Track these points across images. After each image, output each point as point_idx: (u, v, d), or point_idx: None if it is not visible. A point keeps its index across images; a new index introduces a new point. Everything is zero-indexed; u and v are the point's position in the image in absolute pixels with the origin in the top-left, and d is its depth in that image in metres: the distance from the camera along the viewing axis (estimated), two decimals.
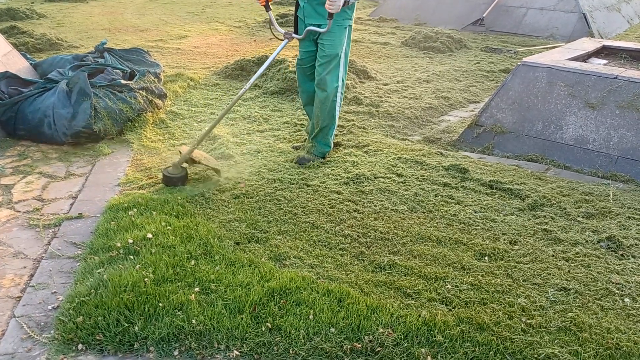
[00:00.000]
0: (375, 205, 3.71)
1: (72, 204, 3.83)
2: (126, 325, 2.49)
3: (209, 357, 2.41)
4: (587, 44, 6.17)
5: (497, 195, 3.92)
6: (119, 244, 3.09)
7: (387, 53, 8.87)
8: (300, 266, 2.99)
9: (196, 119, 5.49)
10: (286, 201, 3.73)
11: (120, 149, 4.79)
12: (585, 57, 5.73)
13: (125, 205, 3.61)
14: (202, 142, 4.70)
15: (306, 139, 4.80)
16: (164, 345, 2.44)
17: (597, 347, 2.45)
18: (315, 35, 4.25)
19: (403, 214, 3.62)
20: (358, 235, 3.33)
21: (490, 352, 2.41)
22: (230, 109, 4.16)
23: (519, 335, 2.51)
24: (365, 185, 3.99)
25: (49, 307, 2.72)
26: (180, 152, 4.10)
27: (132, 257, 2.99)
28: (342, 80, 4.37)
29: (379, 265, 3.04)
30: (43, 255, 3.20)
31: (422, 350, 2.41)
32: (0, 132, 4.98)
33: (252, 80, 4.23)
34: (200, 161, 4.02)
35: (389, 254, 3.15)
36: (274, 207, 3.65)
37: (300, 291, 2.72)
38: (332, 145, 4.61)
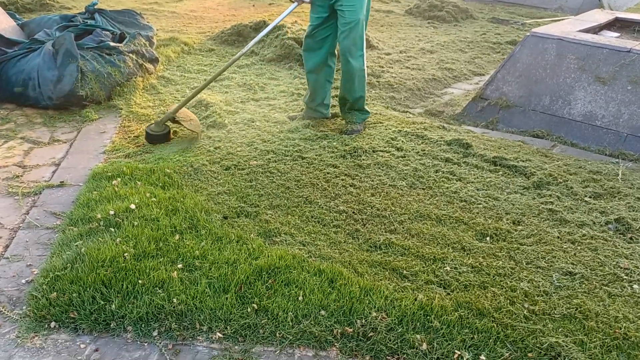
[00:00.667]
0: (372, 180, 3.52)
1: (54, 172, 3.64)
2: (102, 303, 2.34)
3: (190, 339, 2.26)
4: (599, 16, 5.90)
5: (500, 173, 3.73)
6: (99, 216, 2.91)
7: (390, 22, 8.57)
8: (291, 243, 2.82)
9: (189, 85, 5.26)
10: (279, 174, 3.54)
11: (108, 114, 4.58)
12: (597, 30, 5.47)
13: (109, 174, 3.42)
14: (190, 105, 4.52)
15: (303, 108, 4.59)
16: (143, 325, 2.29)
17: (604, 337, 2.30)
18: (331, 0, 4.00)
19: (401, 190, 3.44)
20: (353, 212, 3.16)
21: (490, 340, 2.26)
22: (223, 71, 4.02)
23: (521, 322, 2.36)
24: (363, 159, 3.80)
25: (23, 281, 2.56)
26: (167, 110, 4.02)
27: (113, 229, 2.82)
28: (365, 48, 4.18)
29: (375, 244, 2.87)
30: (20, 225, 3.03)
31: (418, 336, 2.26)
32: None
33: (249, 45, 4.02)
34: (181, 122, 3.96)
35: (386, 232, 2.99)
36: (266, 179, 3.46)
37: (290, 270, 2.56)
38: (369, 110, 4.51)
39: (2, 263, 2.69)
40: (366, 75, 4.29)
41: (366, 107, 4.43)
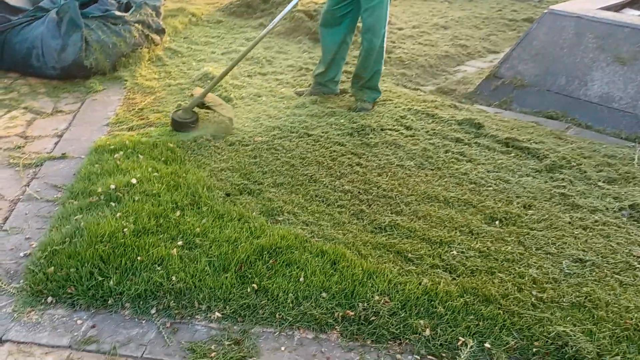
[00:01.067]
0: (379, 160, 3.43)
1: (56, 143, 3.58)
2: (100, 279, 2.29)
3: (188, 318, 2.22)
4: None
5: (512, 154, 3.63)
6: (100, 189, 2.85)
7: None
8: (294, 223, 2.75)
9: (195, 57, 5.15)
10: (284, 151, 3.46)
11: (112, 86, 4.50)
12: (618, 7, 5.27)
13: (112, 147, 3.35)
14: (196, 78, 4.42)
15: (311, 84, 4.48)
16: (141, 303, 2.25)
17: (614, 327, 2.22)
18: None
19: (409, 170, 3.35)
20: (359, 192, 3.08)
21: (496, 328, 2.19)
22: (249, 51, 3.80)
23: (528, 310, 2.29)
24: (371, 138, 3.70)
25: (21, 254, 2.52)
26: (192, 95, 3.82)
27: (113, 204, 2.77)
28: (386, 25, 4.06)
29: (380, 225, 2.80)
30: (20, 197, 2.98)
31: (421, 321, 2.20)
32: None
33: (277, 19, 3.85)
34: (212, 107, 3.71)
35: (391, 213, 2.91)
36: (270, 156, 3.38)
37: (291, 250, 2.49)
38: (381, 90, 4.37)
39: (0, 235, 2.65)
40: (384, 52, 4.17)
41: (379, 86, 4.31)
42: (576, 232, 2.84)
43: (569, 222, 2.93)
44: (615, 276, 2.54)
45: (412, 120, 4.01)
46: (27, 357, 2.01)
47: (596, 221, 2.95)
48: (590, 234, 2.84)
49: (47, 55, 4.42)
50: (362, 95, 4.24)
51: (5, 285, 2.33)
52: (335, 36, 4.16)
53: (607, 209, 3.07)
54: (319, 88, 4.40)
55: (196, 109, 3.74)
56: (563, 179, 3.34)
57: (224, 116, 3.70)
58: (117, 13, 4.83)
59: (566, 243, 2.75)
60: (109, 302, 2.25)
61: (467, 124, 3.99)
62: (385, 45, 4.11)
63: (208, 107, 3.74)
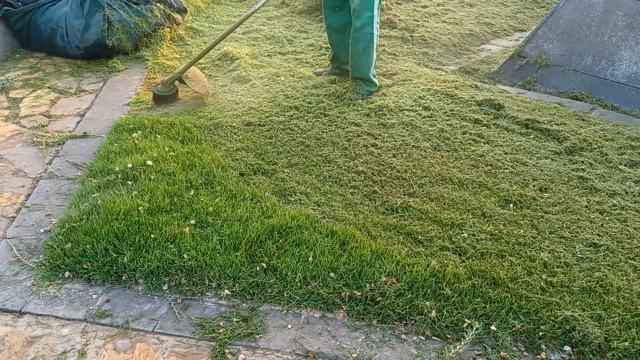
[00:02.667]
0: (395, 141, 3.42)
1: (78, 122, 3.67)
2: (115, 255, 2.36)
3: (199, 294, 2.28)
4: None
5: (532, 136, 3.57)
6: (117, 168, 2.92)
7: None
8: (306, 203, 2.78)
9: (217, 36, 5.17)
10: (300, 131, 3.47)
11: (134, 65, 4.56)
12: None
13: (131, 126, 3.42)
14: (216, 57, 4.44)
15: (329, 64, 4.45)
16: (153, 279, 2.31)
17: (624, 313, 2.20)
18: None
19: (425, 151, 3.33)
20: (372, 173, 3.08)
21: (502, 311, 2.19)
22: (235, 28, 3.87)
23: (537, 294, 2.28)
24: (388, 118, 3.68)
25: (41, 230, 2.61)
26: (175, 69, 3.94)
27: (130, 182, 2.83)
28: (378, 9, 3.82)
29: (391, 206, 2.80)
30: (43, 174, 3.08)
31: (427, 303, 2.21)
32: (14, 42, 4.81)
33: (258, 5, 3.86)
34: (187, 82, 3.85)
35: (404, 195, 2.91)
36: (286, 137, 3.40)
37: (301, 231, 2.52)
38: (377, 82, 4.14)
39: (23, 212, 2.75)
40: (375, 41, 3.88)
41: (374, 79, 4.08)
42: (592, 216, 2.80)
43: (586, 206, 2.88)
44: (630, 261, 2.49)
45: (430, 100, 3.97)
46: (44, 329, 2.10)
47: (614, 205, 2.89)
48: (607, 218, 2.79)
49: (70, 35, 4.50)
50: (356, 87, 4.04)
51: (25, 259, 2.43)
52: (340, 19, 4.03)
53: (626, 192, 3.01)
54: (337, 70, 4.35)
55: (176, 83, 3.94)
56: (583, 162, 3.27)
57: (196, 92, 3.87)
58: None
59: (581, 227, 2.71)
60: (123, 277, 2.32)
61: (487, 104, 3.92)
62: (377, 33, 3.87)
63: (184, 82, 3.90)
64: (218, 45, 4.90)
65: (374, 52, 3.92)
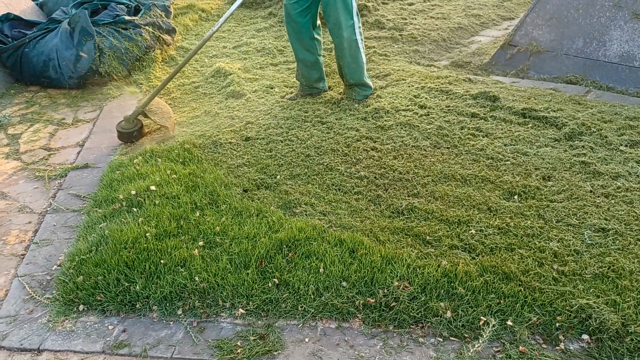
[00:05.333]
0: (394, 142, 3.42)
1: (78, 152, 3.69)
2: (127, 284, 2.37)
3: (214, 316, 2.29)
4: None
5: (530, 125, 3.57)
6: (121, 196, 2.94)
7: None
8: (311, 214, 2.79)
9: (207, 54, 5.20)
10: (299, 141, 3.48)
11: (129, 90, 4.58)
12: None
13: (131, 153, 3.43)
14: (209, 74, 4.45)
15: (298, 86, 4.23)
16: (167, 305, 2.32)
17: (639, 296, 2.20)
18: None
19: (425, 150, 3.33)
20: (375, 177, 3.09)
21: (517, 305, 2.19)
22: (188, 61, 3.71)
23: (550, 284, 2.28)
24: (385, 120, 3.69)
25: (52, 265, 2.62)
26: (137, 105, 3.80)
27: (135, 209, 2.85)
28: (357, 15, 3.76)
29: (397, 209, 2.81)
30: (48, 209, 3.09)
31: (441, 304, 2.21)
32: (8, 78, 4.84)
33: (218, 24, 3.82)
34: (149, 115, 3.68)
35: (408, 196, 2.91)
36: (285, 148, 3.41)
37: (310, 242, 2.53)
38: (372, 84, 4.11)
39: (32, 248, 2.77)
40: (361, 45, 3.84)
41: (368, 82, 4.05)
42: (598, 201, 2.80)
43: (590, 191, 2.88)
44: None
45: (426, 98, 3.97)
46: None
47: (618, 188, 2.89)
48: (613, 201, 2.79)
49: (63, 66, 4.52)
50: (352, 93, 4.01)
51: (39, 296, 2.44)
52: (304, 40, 3.89)
53: (629, 174, 3.01)
54: (308, 90, 4.16)
55: (140, 117, 3.76)
56: (583, 147, 3.27)
57: (160, 125, 3.72)
58: (127, 18, 4.90)
59: (587, 213, 2.71)
60: (137, 306, 2.33)
61: (483, 97, 3.93)
62: (360, 37, 3.81)
63: (147, 116, 3.73)
64: (210, 62, 4.94)
65: (363, 56, 3.91)
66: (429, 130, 3.53)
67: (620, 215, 2.68)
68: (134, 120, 3.74)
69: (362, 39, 3.87)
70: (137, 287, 2.36)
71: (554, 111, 3.68)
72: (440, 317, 2.18)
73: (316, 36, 3.95)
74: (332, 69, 4.59)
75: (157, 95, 3.79)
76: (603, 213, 2.70)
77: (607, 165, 3.09)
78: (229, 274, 2.39)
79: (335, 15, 3.68)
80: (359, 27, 3.82)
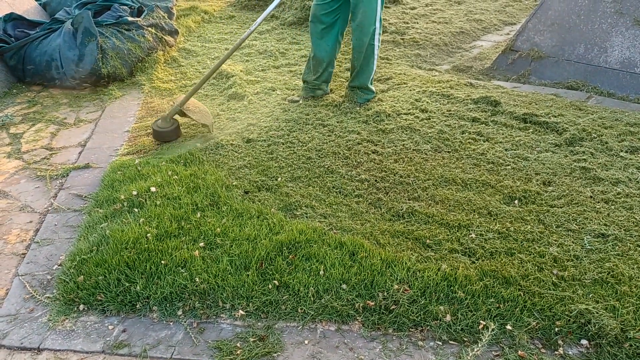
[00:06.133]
0: (395, 146, 3.43)
1: (80, 152, 3.69)
2: (127, 284, 2.38)
3: (213, 317, 2.29)
4: None
5: (531, 130, 3.58)
6: (123, 196, 2.94)
7: None
8: (312, 216, 2.79)
9: (209, 55, 5.21)
10: (300, 144, 3.49)
11: (131, 91, 4.60)
12: None
13: (133, 153, 3.44)
14: (202, 88, 4.44)
15: (303, 87, 4.24)
16: (167, 305, 2.33)
17: (637, 302, 2.20)
18: None
19: (426, 154, 3.34)
20: (376, 180, 3.09)
21: (517, 309, 2.20)
22: (232, 54, 3.68)
23: (549, 289, 2.29)
24: (386, 124, 3.70)
25: (53, 265, 2.63)
26: (173, 103, 3.80)
27: (136, 210, 2.85)
28: (380, 21, 3.81)
29: (397, 212, 2.81)
30: (49, 208, 3.10)
31: (441, 307, 2.22)
32: (11, 78, 4.84)
33: (259, 20, 3.84)
34: (189, 114, 3.65)
35: (409, 200, 2.92)
36: (287, 150, 3.42)
37: (310, 244, 2.54)
38: (374, 90, 4.15)
39: (32, 247, 2.77)
40: (376, 51, 3.89)
41: (372, 87, 4.10)
42: (598, 207, 2.80)
43: (590, 197, 2.89)
44: (639, 249, 2.50)
45: (427, 102, 3.98)
46: None
47: (619, 193, 2.90)
48: (613, 207, 2.80)
49: (65, 67, 4.53)
50: (354, 96, 4.05)
51: (39, 295, 2.44)
52: (329, 40, 3.93)
53: (629, 179, 3.01)
54: (311, 92, 4.18)
55: (176, 117, 3.73)
56: (584, 152, 3.28)
57: (201, 124, 3.68)
58: (130, 19, 4.91)
59: (587, 218, 2.72)
60: (137, 306, 2.34)
61: (484, 102, 3.94)
62: (377, 44, 3.86)
63: (186, 115, 3.68)
64: (211, 64, 4.95)
65: (375, 62, 3.95)
66: (430, 134, 3.54)
67: (620, 221, 2.69)
68: (170, 119, 3.70)
69: (379, 45, 3.91)
70: (138, 287, 2.36)
71: (555, 116, 3.69)
72: (440, 320, 2.18)
73: (339, 38, 4.00)
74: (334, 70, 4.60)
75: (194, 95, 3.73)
76: (603, 219, 2.71)
77: (607, 171, 3.10)
78: (229, 275, 2.39)
79: (361, 18, 3.74)
80: (379, 33, 3.86)
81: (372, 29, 3.76)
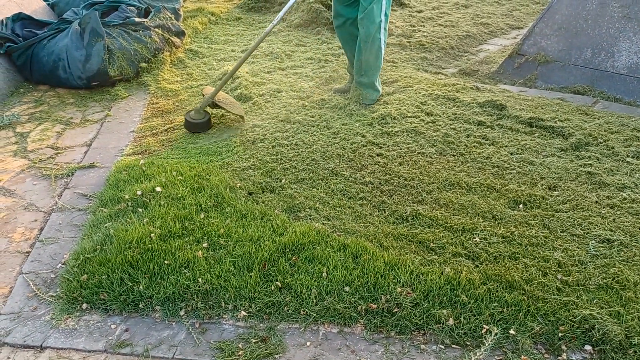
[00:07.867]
0: (400, 149, 3.43)
1: (85, 152, 3.71)
2: (130, 284, 2.38)
3: (216, 318, 2.29)
4: None
5: (537, 134, 3.56)
6: (127, 196, 2.95)
7: None
8: (316, 218, 2.79)
9: (215, 57, 5.22)
10: (305, 146, 3.48)
11: (137, 92, 4.61)
12: None
13: (138, 153, 3.45)
14: (217, 79, 4.47)
15: (349, 79, 4.31)
16: (170, 305, 2.33)
17: None
18: None
19: (430, 157, 3.33)
20: (380, 183, 3.09)
21: (520, 314, 2.19)
22: (255, 48, 3.73)
23: (553, 294, 2.27)
24: (391, 127, 3.69)
25: (57, 263, 2.64)
26: (203, 95, 3.87)
27: (140, 209, 2.86)
28: (386, 15, 3.81)
29: (401, 215, 2.81)
30: (54, 207, 3.11)
31: (444, 311, 2.21)
32: (18, 77, 4.87)
33: (278, 18, 3.87)
34: (223, 106, 3.74)
35: (413, 203, 2.91)
36: (291, 152, 3.42)
37: (313, 246, 2.53)
38: (381, 89, 4.15)
39: (37, 246, 2.78)
40: (383, 47, 3.87)
41: (378, 86, 4.08)
42: (603, 212, 2.79)
43: (596, 202, 2.87)
44: None
45: (432, 105, 3.97)
46: None
47: (624, 199, 2.88)
48: (618, 212, 2.78)
49: (72, 67, 4.55)
50: (359, 96, 4.04)
51: (43, 294, 2.45)
52: (350, 32, 3.98)
53: (636, 185, 2.99)
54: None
55: (208, 109, 3.81)
56: (589, 157, 3.26)
57: (235, 115, 3.75)
58: (137, 19, 4.93)
59: (593, 223, 2.70)
60: (140, 306, 2.34)
61: (489, 105, 3.93)
62: (384, 39, 3.87)
63: (219, 107, 3.77)
64: (217, 65, 4.96)
65: (382, 57, 3.96)
66: (435, 138, 3.53)
67: (626, 226, 2.67)
68: (203, 111, 3.78)
69: (385, 42, 3.92)
70: (141, 287, 2.37)
71: (561, 121, 3.67)
72: (443, 324, 2.17)
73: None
74: (339, 74, 4.60)
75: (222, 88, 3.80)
76: (608, 224, 2.69)
77: (613, 176, 3.08)
78: (232, 276, 2.39)
79: (369, 7, 3.74)
80: (385, 29, 3.87)
81: (378, 20, 3.78)
